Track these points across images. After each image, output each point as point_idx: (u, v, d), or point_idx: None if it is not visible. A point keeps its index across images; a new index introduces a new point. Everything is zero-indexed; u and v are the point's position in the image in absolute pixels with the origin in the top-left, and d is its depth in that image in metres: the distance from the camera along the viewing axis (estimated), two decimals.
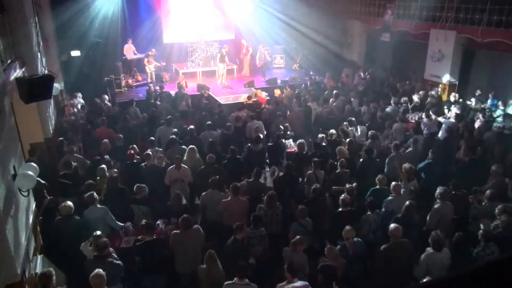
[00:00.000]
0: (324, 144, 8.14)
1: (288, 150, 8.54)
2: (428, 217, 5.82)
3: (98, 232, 5.09)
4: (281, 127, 9.28)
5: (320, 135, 8.48)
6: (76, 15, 13.12)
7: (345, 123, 9.25)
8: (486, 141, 8.36)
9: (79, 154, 7.88)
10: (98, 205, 5.82)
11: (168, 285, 5.26)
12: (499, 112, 10.29)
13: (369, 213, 5.84)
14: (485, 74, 12.21)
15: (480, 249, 4.91)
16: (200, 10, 16.40)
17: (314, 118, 10.50)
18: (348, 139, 8.20)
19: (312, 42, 16.34)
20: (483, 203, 5.98)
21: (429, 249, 4.87)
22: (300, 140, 7.97)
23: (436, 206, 5.82)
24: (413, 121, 10.00)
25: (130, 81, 14.82)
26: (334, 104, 11.01)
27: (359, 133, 9.14)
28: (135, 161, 7.39)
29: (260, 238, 5.40)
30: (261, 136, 8.43)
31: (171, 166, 6.92)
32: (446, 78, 12.47)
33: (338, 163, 7.11)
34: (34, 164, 4.83)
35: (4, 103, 4.62)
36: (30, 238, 4.76)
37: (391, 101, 11.19)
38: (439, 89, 12.62)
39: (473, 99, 11.17)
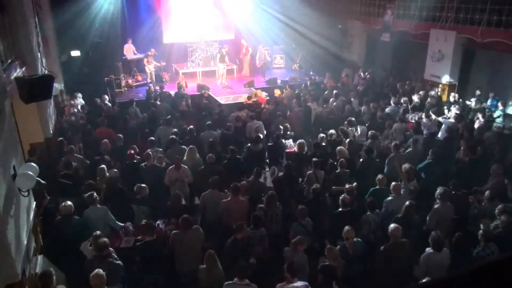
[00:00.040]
0: (324, 144, 8.15)
1: (288, 150, 8.55)
2: (428, 217, 5.82)
3: (98, 232, 5.08)
4: (281, 127, 9.28)
5: (320, 135, 8.48)
6: (76, 15, 13.11)
7: (345, 122, 9.25)
8: (486, 141, 8.37)
9: (79, 154, 7.87)
10: (98, 205, 5.81)
11: (168, 285, 5.26)
12: (499, 112, 10.30)
13: (369, 213, 5.84)
14: (485, 74, 12.22)
15: (480, 249, 4.91)
16: (200, 10, 16.40)
17: (314, 118, 10.49)
18: (348, 139, 8.21)
19: (312, 42, 16.35)
20: (483, 203, 5.98)
21: (429, 249, 4.88)
22: (300, 140, 7.97)
23: (436, 206, 5.82)
24: (413, 121, 10.00)
25: (130, 81, 14.82)
26: (334, 104, 11.01)
27: (359, 133, 9.14)
28: (135, 161, 7.38)
29: (260, 238, 5.40)
30: (261, 136, 8.43)
31: (171, 167, 6.92)
32: (446, 78, 12.47)
33: (338, 163, 7.11)
34: (34, 164, 4.82)
35: (4, 103, 4.62)
36: (30, 238, 4.76)
37: (391, 101, 11.19)
38: (439, 89, 12.63)
39: (473, 99, 11.17)
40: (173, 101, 11.61)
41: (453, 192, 6.11)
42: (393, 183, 6.24)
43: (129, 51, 15.09)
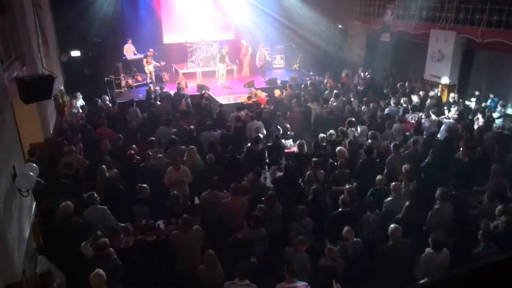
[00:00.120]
0: (324, 144, 8.14)
1: (287, 150, 8.54)
2: (428, 218, 5.82)
3: (98, 232, 5.09)
4: (279, 127, 9.28)
5: (320, 135, 8.48)
6: (76, 15, 13.11)
7: (346, 122, 9.24)
8: (486, 141, 8.36)
9: (79, 154, 7.87)
10: (98, 205, 5.81)
11: (168, 285, 5.26)
12: (498, 112, 10.30)
13: (369, 213, 5.84)
14: (485, 75, 12.22)
15: (480, 249, 4.91)
16: (200, 10, 16.40)
17: (314, 118, 10.49)
18: (348, 139, 8.20)
19: (312, 42, 16.35)
20: (483, 203, 5.98)
21: (429, 250, 4.88)
22: (299, 140, 7.96)
23: (436, 207, 5.82)
24: (413, 121, 10.01)
25: (130, 81, 14.83)
26: (334, 104, 11.01)
27: (359, 133, 9.14)
28: (135, 161, 7.38)
29: (260, 238, 5.40)
30: (261, 136, 8.42)
31: (171, 167, 6.91)
32: (445, 79, 12.47)
33: (338, 163, 7.10)
34: (34, 165, 4.83)
35: (4, 103, 4.62)
36: (30, 238, 4.76)
37: (391, 102, 11.18)
38: (439, 90, 12.63)
39: (473, 99, 11.18)
40: (173, 101, 11.61)
41: (453, 192, 6.11)
42: (393, 183, 6.24)
43: (129, 51, 15.09)
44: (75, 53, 13.58)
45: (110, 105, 11.25)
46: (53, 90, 5.67)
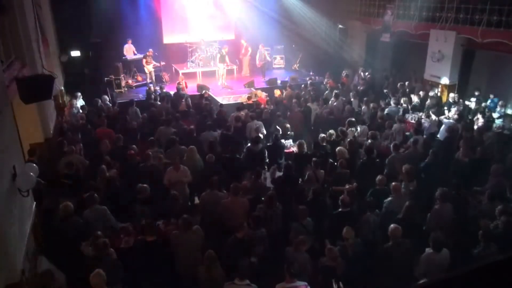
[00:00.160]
0: (324, 144, 8.14)
1: (287, 150, 8.54)
2: (428, 218, 5.81)
3: (98, 232, 5.09)
4: (278, 127, 9.27)
5: (320, 135, 8.48)
6: (76, 15, 13.10)
7: (346, 123, 9.24)
8: (486, 141, 8.36)
9: (79, 154, 7.87)
10: (98, 205, 5.81)
11: (168, 285, 5.26)
12: (498, 112, 10.30)
13: (369, 213, 5.84)
14: (485, 75, 12.22)
15: (480, 249, 4.92)
16: (200, 10, 16.40)
17: (314, 118, 10.49)
18: (348, 139, 8.20)
19: (312, 42, 16.35)
20: (483, 203, 5.98)
21: (429, 250, 4.88)
22: (299, 140, 7.96)
23: (436, 207, 5.82)
24: (413, 121, 10.01)
25: (130, 81, 14.83)
26: (334, 104, 11.01)
27: (359, 132, 9.14)
28: (135, 161, 7.38)
29: (260, 238, 5.40)
30: (261, 136, 8.42)
31: (170, 167, 6.91)
32: (445, 79, 12.47)
33: (338, 163, 7.10)
34: (34, 165, 4.83)
35: (4, 103, 4.62)
36: (30, 238, 4.76)
37: (391, 102, 11.18)
38: (439, 90, 12.63)
39: (473, 99, 11.17)
40: (173, 101, 11.61)
41: (453, 192, 6.11)
42: (393, 183, 6.24)
43: (129, 51, 15.09)
44: (75, 53, 13.56)
45: (110, 105, 11.24)
46: (53, 90, 5.68)
